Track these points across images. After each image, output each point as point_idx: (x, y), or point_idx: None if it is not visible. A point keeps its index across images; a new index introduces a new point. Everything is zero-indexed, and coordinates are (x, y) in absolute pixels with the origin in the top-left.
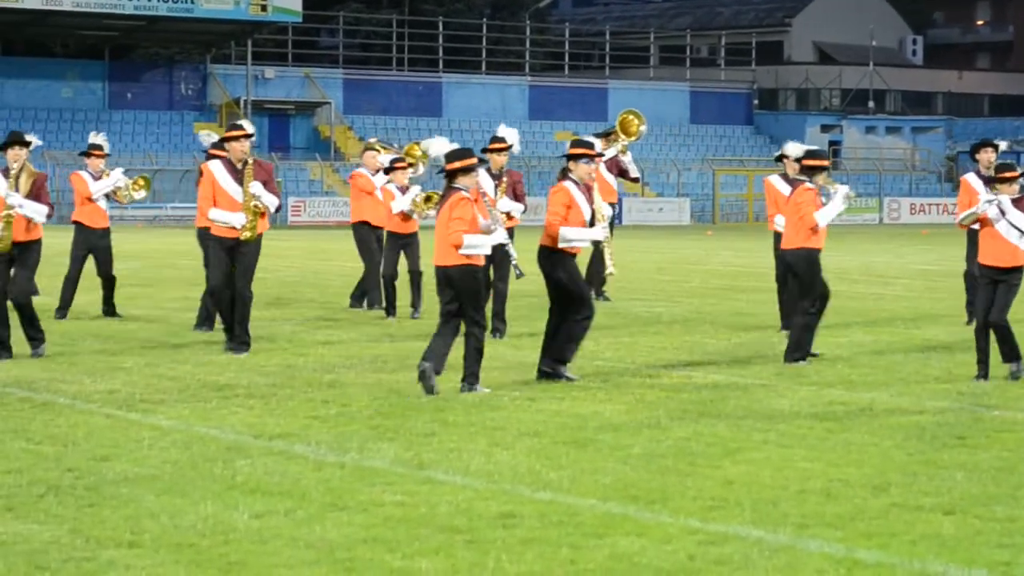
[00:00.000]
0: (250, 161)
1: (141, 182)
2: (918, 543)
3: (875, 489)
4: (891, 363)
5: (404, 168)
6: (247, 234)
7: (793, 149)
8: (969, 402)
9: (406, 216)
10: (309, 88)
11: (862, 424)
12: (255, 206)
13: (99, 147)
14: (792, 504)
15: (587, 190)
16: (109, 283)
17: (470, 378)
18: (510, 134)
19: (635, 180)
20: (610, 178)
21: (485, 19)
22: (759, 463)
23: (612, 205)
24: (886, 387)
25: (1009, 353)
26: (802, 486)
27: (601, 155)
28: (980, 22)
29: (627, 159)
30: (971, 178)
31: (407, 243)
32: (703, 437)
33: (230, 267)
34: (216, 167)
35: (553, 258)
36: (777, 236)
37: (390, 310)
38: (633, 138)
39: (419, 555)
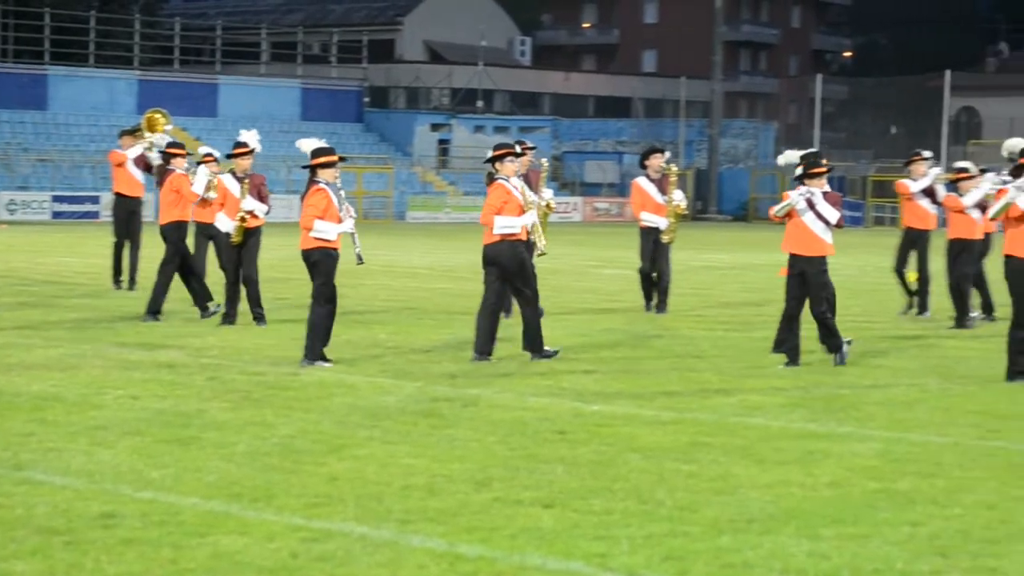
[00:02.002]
0: None
1: None
2: (518, 536)
3: (477, 484)
4: (495, 359)
5: (212, 161)
6: None
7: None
8: (570, 397)
9: (205, 203)
10: None
11: (466, 420)
12: None
13: None
14: (396, 500)
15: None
16: None
17: (309, 353)
18: (250, 137)
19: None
20: (137, 173)
21: (94, 11)
22: (364, 459)
23: (137, 199)
24: (490, 383)
25: (828, 342)
26: (406, 482)
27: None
28: (586, 25)
29: (153, 156)
30: (642, 181)
31: (213, 234)
32: (308, 434)
33: None
34: None
35: (502, 246)
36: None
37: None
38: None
39: (15, 558)
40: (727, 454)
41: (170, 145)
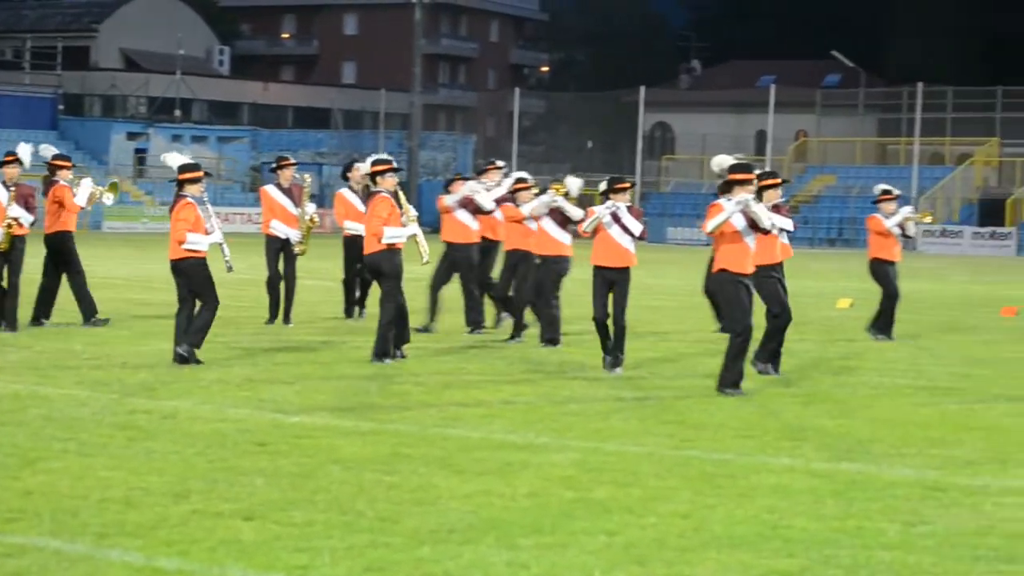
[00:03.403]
0: None
1: None
2: (218, 549)
3: (176, 497)
4: (194, 371)
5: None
6: None
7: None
8: (270, 409)
9: None
10: None
11: (164, 432)
12: None
13: None
14: (92, 513)
15: (395, 196)
16: None
17: (192, 345)
18: (24, 150)
19: None
20: None
21: None
22: (59, 473)
23: None
24: (189, 395)
25: (615, 349)
26: (103, 495)
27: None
28: (286, 35)
29: None
30: (346, 192)
31: None
32: (1, 447)
33: None
34: None
35: (384, 255)
36: (270, 239)
37: None
38: None
39: None
40: (427, 465)
41: (55, 157)
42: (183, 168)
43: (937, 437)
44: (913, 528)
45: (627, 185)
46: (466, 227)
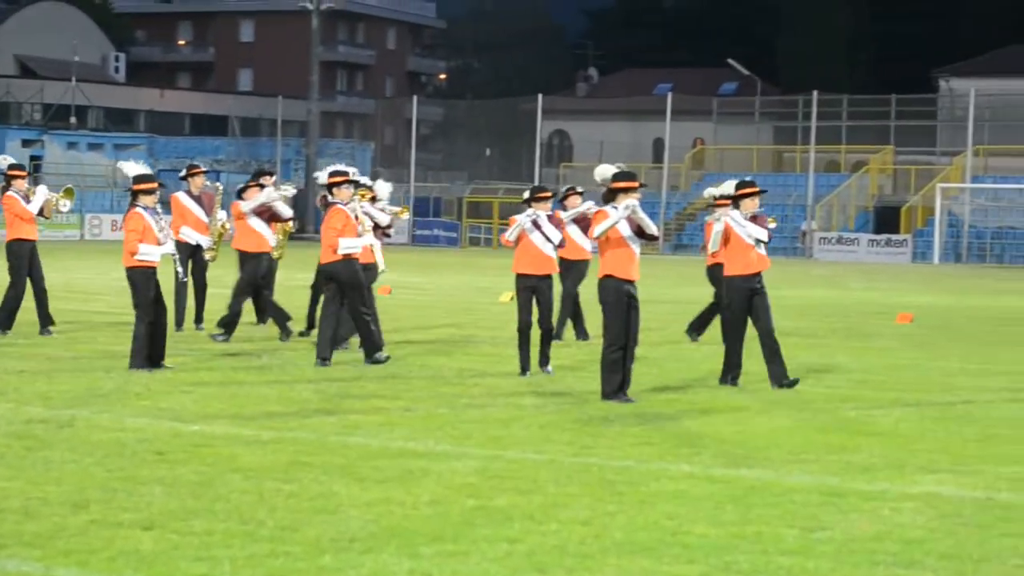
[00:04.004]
0: None
1: None
2: (117, 559)
3: (75, 507)
4: (92, 380)
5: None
6: None
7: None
8: (169, 417)
9: None
10: None
11: (62, 441)
12: None
13: None
14: None
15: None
16: None
17: (132, 362)
18: None
19: None
20: None
21: None
22: None
23: None
24: (87, 404)
25: (544, 350)
26: (0, 505)
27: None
28: (182, 42)
29: None
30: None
31: None
32: None
33: None
34: None
35: (340, 265)
36: (180, 246)
37: None
38: None
39: None
40: (327, 473)
41: (11, 167)
42: (138, 179)
43: (835, 443)
44: (812, 534)
45: (549, 194)
46: (259, 235)
